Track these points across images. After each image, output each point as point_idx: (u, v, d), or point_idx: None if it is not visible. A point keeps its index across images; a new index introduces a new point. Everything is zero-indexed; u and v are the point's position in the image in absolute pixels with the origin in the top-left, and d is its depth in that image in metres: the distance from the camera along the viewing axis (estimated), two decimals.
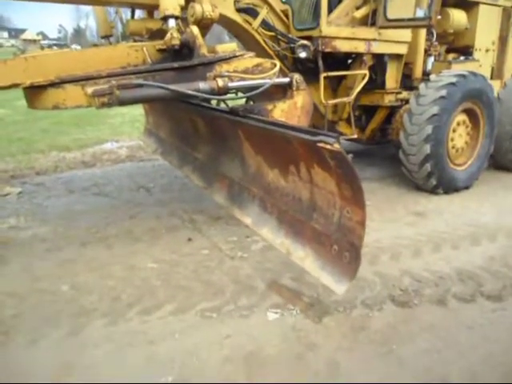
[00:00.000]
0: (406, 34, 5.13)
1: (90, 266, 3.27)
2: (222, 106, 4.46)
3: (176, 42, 3.10)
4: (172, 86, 2.91)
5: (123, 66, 3.25)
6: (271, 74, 3.25)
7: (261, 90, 3.11)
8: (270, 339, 2.42)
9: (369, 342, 2.40)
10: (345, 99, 4.90)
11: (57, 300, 2.82)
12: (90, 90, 2.82)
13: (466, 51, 6.17)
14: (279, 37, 4.61)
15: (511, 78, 5.97)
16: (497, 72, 6.55)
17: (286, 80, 3.37)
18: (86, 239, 3.74)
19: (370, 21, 4.80)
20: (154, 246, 3.60)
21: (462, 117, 4.89)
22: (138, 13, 4.63)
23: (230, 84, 3.11)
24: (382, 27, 4.76)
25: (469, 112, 4.94)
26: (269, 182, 2.95)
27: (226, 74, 3.14)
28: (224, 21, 4.27)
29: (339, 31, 4.56)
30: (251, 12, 4.40)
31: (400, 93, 5.49)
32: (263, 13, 4.45)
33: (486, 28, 6.11)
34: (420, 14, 4.50)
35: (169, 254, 3.46)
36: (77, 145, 7.81)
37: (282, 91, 3.47)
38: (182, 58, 3.30)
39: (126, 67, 3.23)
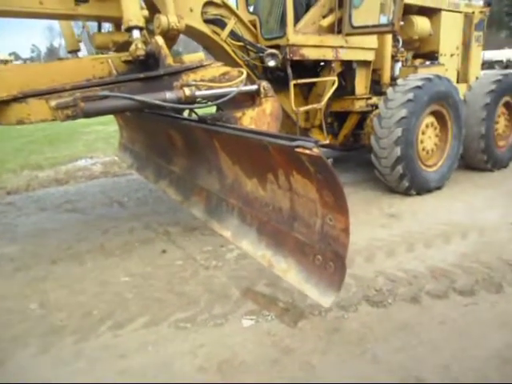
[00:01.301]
0: (372, 41, 5.26)
1: (61, 284, 3.19)
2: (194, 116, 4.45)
3: (141, 52, 3.10)
4: (138, 97, 2.89)
5: (88, 78, 3.23)
6: (238, 82, 3.27)
7: (228, 97, 3.12)
8: (245, 346, 2.39)
9: (344, 343, 2.39)
10: (315, 106, 4.97)
11: (25, 319, 2.73)
12: (53, 103, 2.79)
13: (432, 56, 6.35)
14: (248, 46, 4.65)
15: (476, 80, 6.14)
16: (462, 76, 6.76)
17: (254, 87, 3.39)
18: (57, 256, 3.66)
19: (336, 29, 4.91)
20: (128, 260, 3.54)
21: (430, 119, 5.00)
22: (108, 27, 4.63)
23: (197, 93, 3.11)
24: (348, 34, 4.86)
25: (436, 114, 5.06)
26: (247, 192, 2.86)
27: (193, 83, 3.15)
28: (192, 32, 4.29)
29: (306, 39, 4.64)
30: (219, 23, 4.43)
31: (370, 98, 5.60)
32: (231, 23, 4.48)
33: (449, 34, 6.32)
34: (384, 20, 4.61)
35: (142, 267, 3.40)
36: (50, 163, 7.69)
37: (250, 99, 3.49)
38: (148, 68, 3.30)
39: (91, 79, 3.20)
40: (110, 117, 5.39)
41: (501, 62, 35.58)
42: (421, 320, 2.59)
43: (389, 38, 5.64)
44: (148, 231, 4.16)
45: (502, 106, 5.97)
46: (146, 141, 4.80)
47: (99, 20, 4.11)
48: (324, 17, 4.97)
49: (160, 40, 3.17)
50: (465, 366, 2.19)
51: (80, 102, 2.75)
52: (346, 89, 5.50)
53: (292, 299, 2.85)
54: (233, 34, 4.55)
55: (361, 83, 5.49)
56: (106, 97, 2.90)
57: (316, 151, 1.84)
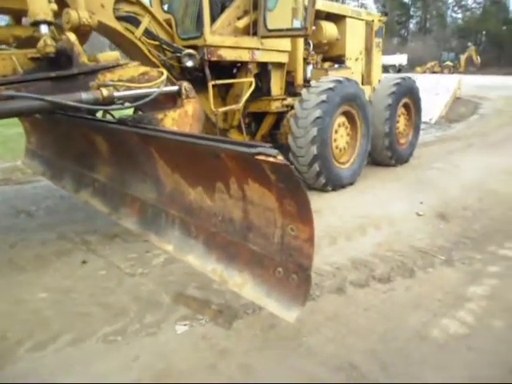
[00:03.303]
0: (286, 44, 5.43)
1: None
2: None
3: (51, 49, 2.86)
4: (49, 97, 2.67)
5: None
6: (159, 83, 3.17)
7: (149, 98, 3.01)
8: (181, 353, 2.34)
9: (279, 339, 2.45)
10: (234, 107, 5.01)
11: None
12: None
13: (339, 60, 6.75)
14: (164, 46, 4.55)
15: (379, 83, 6.66)
16: (366, 78, 7.28)
17: (175, 88, 3.32)
18: None
19: (251, 30, 4.98)
20: (43, 275, 3.25)
21: (341, 119, 5.32)
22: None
23: (116, 93, 2.96)
24: (263, 37, 4.97)
25: (347, 114, 5.39)
26: (190, 201, 2.62)
27: (111, 83, 2.99)
28: (103, 29, 4.07)
29: (223, 40, 4.65)
30: (132, 20, 4.26)
31: (285, 99, 5.77)
32: (145, 21, 4.34)
33: (353, 39, 6.76)
34: (297, 24, 4.80)
35: (61, 281, 3.15)
36: None
37: (171, 100, 3.40)
38: (58, 67, 3.06)
39: None
40: (7, 119, 4.90)
41: (394, 66, 39.03)
42: (347, 309, 2.74)
43: (301, 41, 5.87)
44: (63, 242, 3.85)
45: (402, 106, 6.55)
46: (60, 146, 4.36)
47: None
48: (239, 18, 5.02)
49: (72, 36, 2.97)
50: (389, 348, 2.37)
51: None
52: (262, 90, 5.60)
53: (225, 300, 2.84)
54: (147, 33, 4.41)
55: (276, 84, 5.65)
56: (11, 97, 2.65)
57: (281, 159, 1.73)
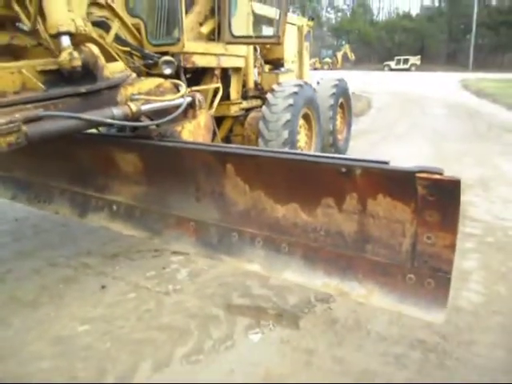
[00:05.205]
0: (243, 49, 5.57)
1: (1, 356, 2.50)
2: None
3: (78, 63, 2.62)
4: (86, 116, 2.50)
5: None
6: (181, 95, 3.12)
7: (180, 110, 2.98)
8: (271, 358, 2.43)
9: (348, 331, 2.67)
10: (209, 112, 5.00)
11: None
12: None
13: (278, 63, 7.07)
14: (133, 52, 4.37)
15: (318, 85, 7.16)
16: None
17: (189, 99, 3.29)
18: None
19: (216, 36, 5.02)
20: (66, 306, 2.98)
21: (301, 121, 5.65)
22: None
23: (143, 107, 2.86)
24: (228, 43, 5.04)
25: (305, 116, 5.75)
26: (277, 218, 2.43)
27: (137, 97, 2.87)
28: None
29: (197, 47, 4.64)
30: (104, 26, 4.03)
31: (241, 103, 5.92)
32: (116, 26, 4.12)
33: (290, 42, 7.14)
34: (268, 32, 4.97)
35: (93, 310, 2.93)
36: None
37: (183, 111, 3.35)
38: (72, 81, 2.83)
39: (4, 95, 2.55)
40: None
41: None
42: None
43: (251, 46, 6.04)
44: (61, 268, 3.52)
45: (339, 106, 7.15)
46: (44, 165, 3.73)
47: None
48: (201, 24, 5.03)
49: (95, 49, 2.77)
50: None
51: (22, 126, 2.23)
52: (222, 95, 5.67)
53: (274, 303, 2.96)
54: (118, 39, 4.20)
55: (234, 89, 5.75)
56: (40, 118, 2.41)
57: (449, 175, 1.75)
